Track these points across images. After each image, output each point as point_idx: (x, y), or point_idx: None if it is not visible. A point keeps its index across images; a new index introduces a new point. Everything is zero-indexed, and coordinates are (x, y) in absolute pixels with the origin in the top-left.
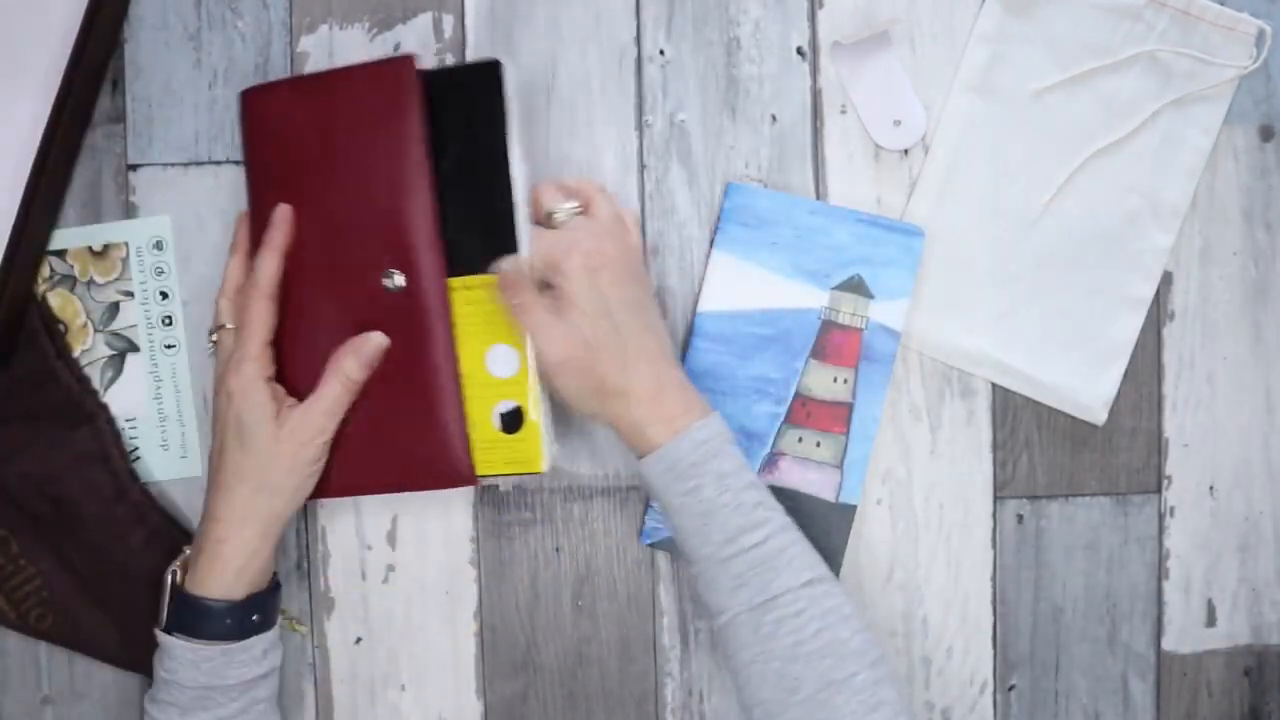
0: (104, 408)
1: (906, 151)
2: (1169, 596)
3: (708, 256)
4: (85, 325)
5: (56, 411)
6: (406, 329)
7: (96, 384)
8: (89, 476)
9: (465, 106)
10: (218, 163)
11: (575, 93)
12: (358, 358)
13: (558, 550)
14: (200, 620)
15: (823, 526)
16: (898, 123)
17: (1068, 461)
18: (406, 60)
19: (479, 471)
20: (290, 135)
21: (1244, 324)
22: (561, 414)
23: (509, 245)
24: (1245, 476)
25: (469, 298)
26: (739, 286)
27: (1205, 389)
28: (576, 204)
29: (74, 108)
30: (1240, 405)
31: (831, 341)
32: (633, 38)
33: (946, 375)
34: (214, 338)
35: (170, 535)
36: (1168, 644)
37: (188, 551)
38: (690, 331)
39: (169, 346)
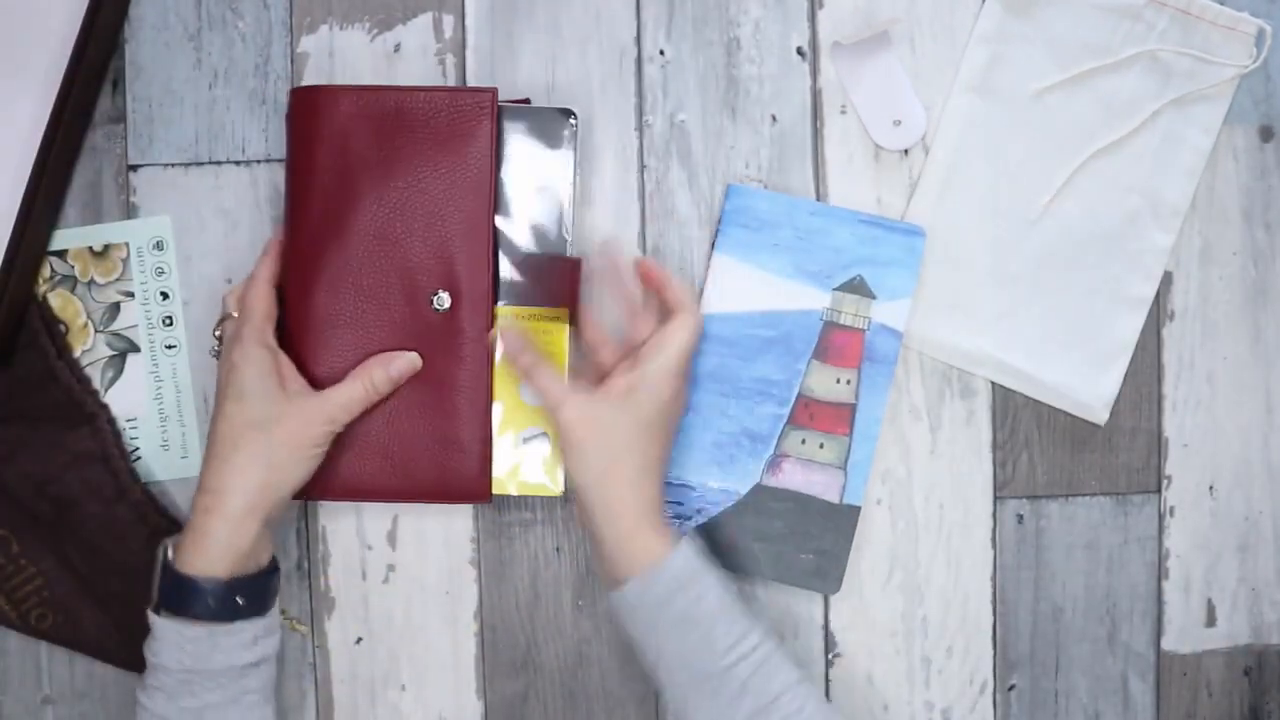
0: (105, 408)
1: (906, 151)
2: (1169, 596)
3: (709, 258)
4: (86, 325)
5: (57, 411)
6: (445, 349)
7: (97, 384)
8: (90, 476)
9: (535, 146)
10: (218, 163)
11: (575, 93)
12: (387, 371)
13: (558, 550)
14: (184, 598)
15: (826, 528)
16: (898, 123)
17: (1068, 461)
18: (490, 92)
19: (494, 491)
20: (348, 142)
21: (1244, 324)
22: None
23: (561, 287)
24: (1245, 476)
25: (516, 325)
26: (740, 288)
27: (1205, 389)
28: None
29: (74, 108)
30: (1240, 405)
31: (834, 342)
32: (633, 38)
33: (946, 375)
34: (218, 332)
35: (170, 535)
36: (1168, 644)
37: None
38: None
39: (169, 347)
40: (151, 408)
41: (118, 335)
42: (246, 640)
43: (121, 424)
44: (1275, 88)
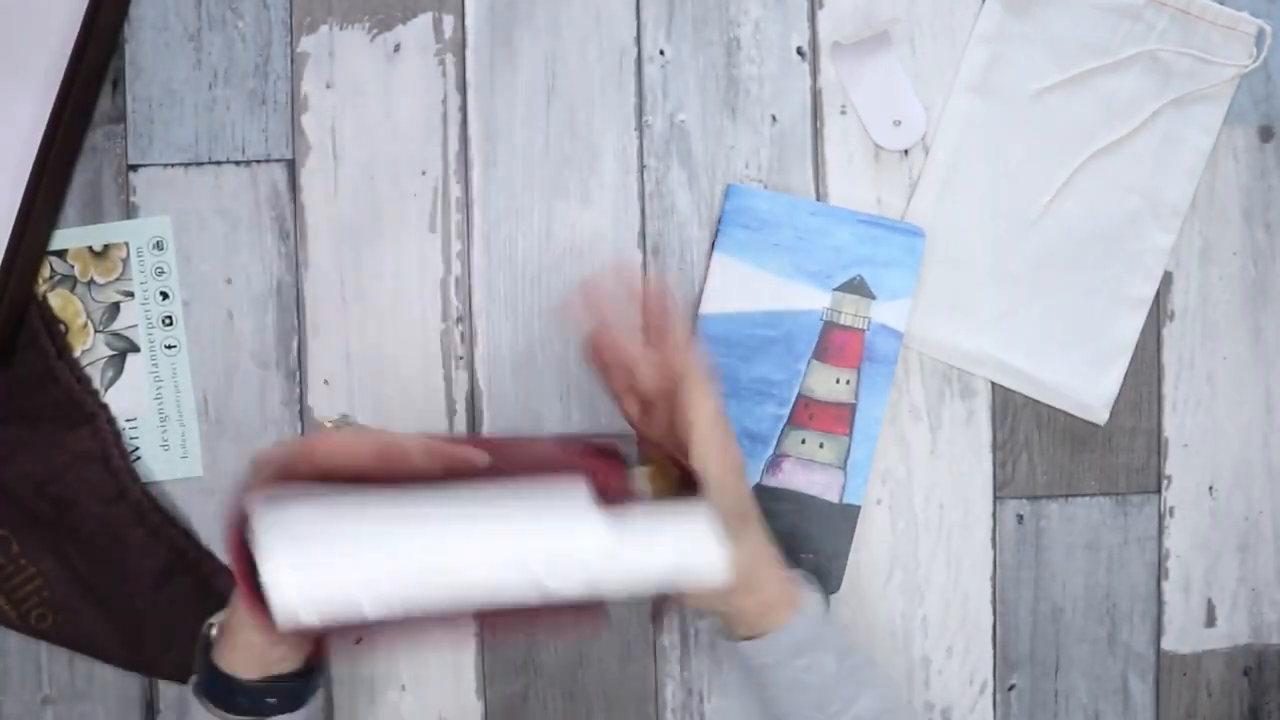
0: (104, 408)
1: (906, 151)
2: (1169, 596)
3: (709, 258)
4: (86, 325)
5: (57, 411)
6: None
7: (97, 384)
8: (89, 476)
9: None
10: (218, 163)
11: (575, 93)
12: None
13: None
14: (217, 690)
15: (826, 528)
16: (898, 123)
17: (1068, 461)
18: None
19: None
20: None
21: (1244, 324)
22: None
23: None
24: (1245, 476)
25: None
26: (741, 288)
27: (1205, 389)
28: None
29: (74, 108)
30: (1240, 405)
31: (834, 342)
32: (633, 38)
33: (946, 375)
34: (332, 422)
35: (170, 535)
36: (1167, 644)
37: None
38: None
39: (169, 347)
40: (151, 408)
41: (117, 335)
42: None
43: (121, 424)
44: (1275, 88)
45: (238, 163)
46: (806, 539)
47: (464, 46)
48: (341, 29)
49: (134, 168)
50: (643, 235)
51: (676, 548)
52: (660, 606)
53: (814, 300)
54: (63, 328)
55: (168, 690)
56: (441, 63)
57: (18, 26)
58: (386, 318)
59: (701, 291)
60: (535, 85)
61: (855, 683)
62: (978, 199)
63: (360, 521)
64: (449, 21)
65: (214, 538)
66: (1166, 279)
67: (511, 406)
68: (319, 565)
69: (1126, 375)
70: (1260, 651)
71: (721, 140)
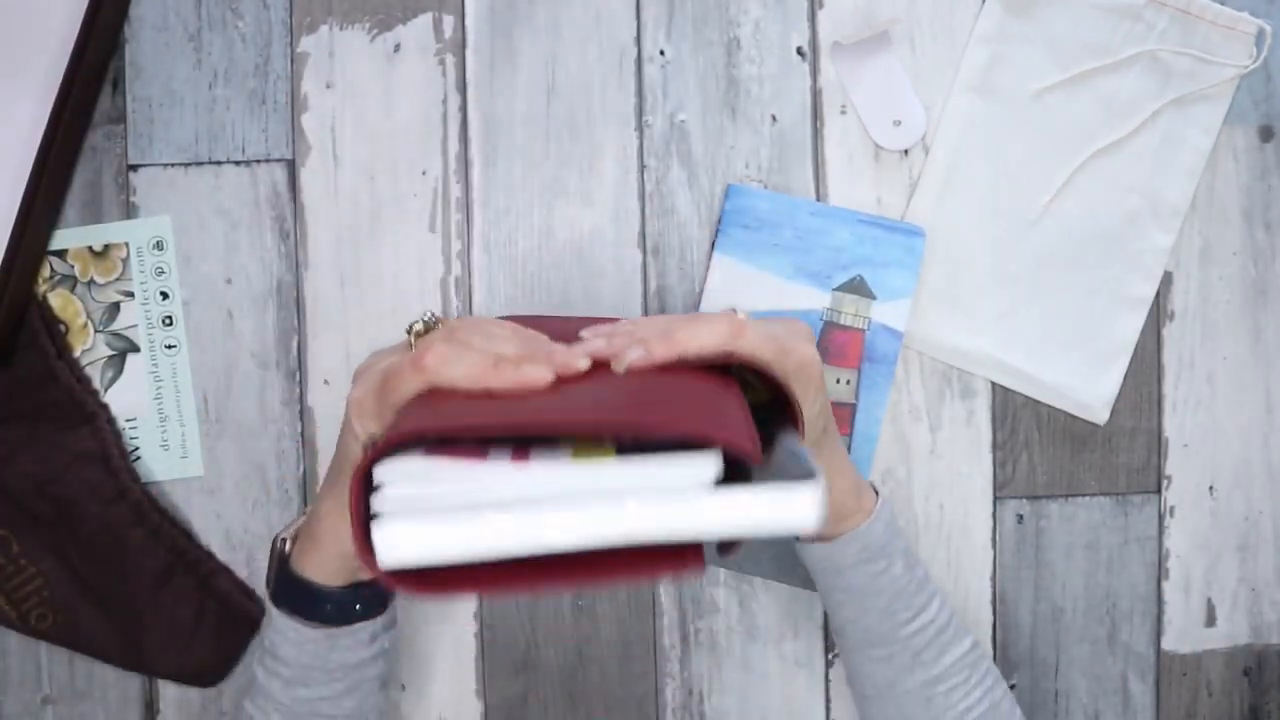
0: (104, 408)
1: (906, 151)
2: (1169, 596)
3: (709, 258)
4: (86, 325)
5: (57, 411)
6: None
7: (97, 384)
8: (89, 476)
9: None
10: (218, 163)
11: (575, 93)
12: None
13: None
14: (301, 600)
15: None
16: (898, 123)
17: (1067, 461)
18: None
19: None
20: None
21: (1244, 324)
22: None
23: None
24: (1245, 476)
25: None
26: (741, 288)
27: (1205, 389)
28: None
29: (74, 108)
30: (1240, 405)
31: (834, 342)
32: (633, 38)
33: (946, 375)
34: (416, 329)
35: (170, 535)
36: (1167, 644)
37: (301, 518)
38: None
39: (169, 347)
40: (151, 408)
41: (117, 335)
42: (364, 639)
43: (121, 424)
44: (1275, 88)
45: (238, 163)
46: None
47: (464, 46)
48: (341, 29)
49: (134, 168)
50: (643, 235)
51: (779, 513)
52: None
53: (814, 300)
54: (63, 328)
55: (168, 690)
56: (441, 63)
57: (18, 26)
58: (387, 317)
59: (702, 291)
60: (535, 85)
61: (922, 592)
62: (978, 199)
63: (475, 481)
64: (449, 21)
65: (214, 538)
66: (1166, 279)
67: None
68: (429, 522)
69: (1126, 375)
70: (1260, 651)
71: (721, 140)
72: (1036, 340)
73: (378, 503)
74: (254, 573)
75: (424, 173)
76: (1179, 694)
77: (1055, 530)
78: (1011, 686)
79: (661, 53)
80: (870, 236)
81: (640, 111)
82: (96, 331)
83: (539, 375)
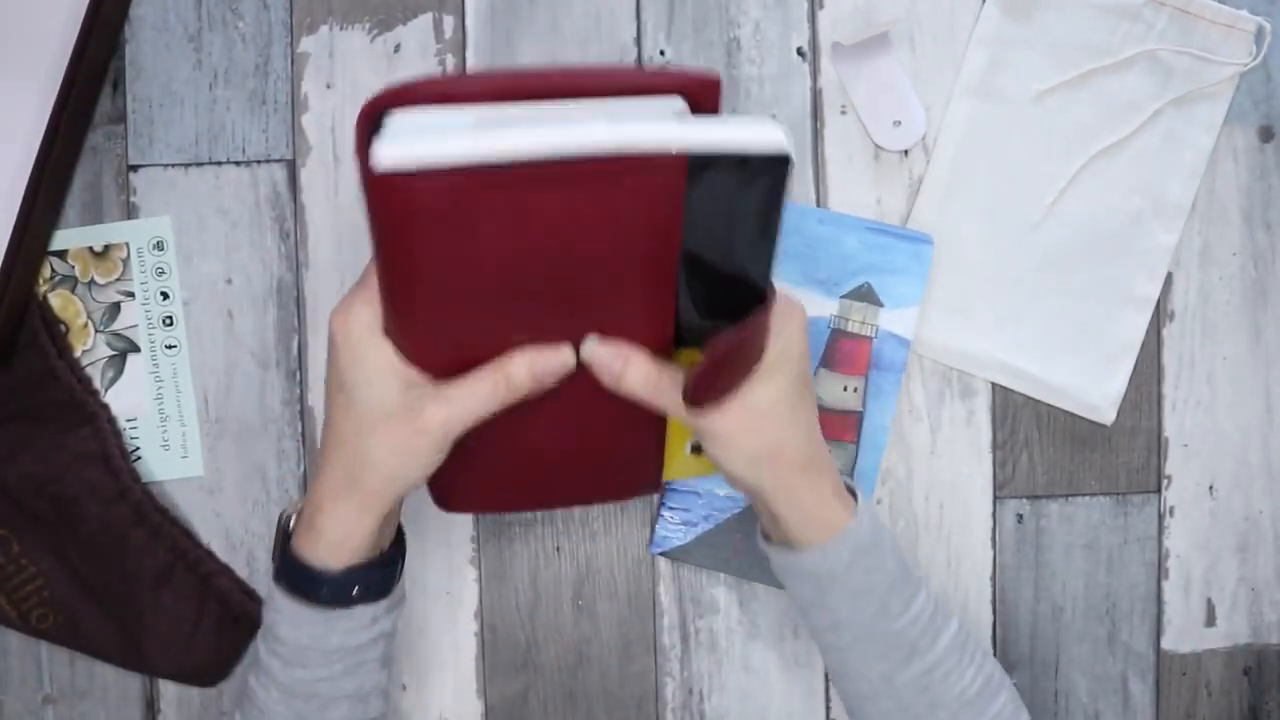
0: (105, 408)
1: (906, 152)
2: (1169, 596)
3: None
4: (86, 325)
5: (57, 411)
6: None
7: (97, 384)
8: (89, 476)
9: (735, 197)
10: (218, 163)
11: None
12: (531, 368)
13: (558, 550)
14: (299, 581)
15: None
16: (898, 123)
17: (1068, 461)
18: (678, 162)
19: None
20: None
21: (1244, 324)
22: None
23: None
24: (1245, 476)
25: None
26: None
27: (1205, 389)
28: None
29: (74, 108)
30: (1240, 405)
31: (841, 350)
32: (633, 39)
33: (946, 375)
34: None
35: (171, 535)
36: (1167, 644)
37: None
38: None
39: (170, 347)
40: (151, 408)
41: (118, 335)
42: (365, 622)
43: (121, 424)
44: (1275, 87)
45: (238, 163)
46: None
47: (464, 47)
48: (342, 29)
49: (134, 168)
50: None
51: (747, 130)
52: (706, 376)
53: (821, 308)
54: (63, 328)
55: (168, 690)
56: (442, 63)
57: (18, 26)
58: None
59: None
60: None
61: (910, 581)
62: (980, 203)
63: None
64: (449, 22)
65: (214, 538)
66: (1166, 279)
67: None
68: (429, 133)
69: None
70: (1260, 651)
71: None
72: (1041, 342)
73: (384, 130)
74: (254, 573)
75: None
76: (1179, 694)
77: (1055, 530)
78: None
79: (662, 53)
80: (878, 244)
81: None
82: (97, 331)
83: (519, 71)
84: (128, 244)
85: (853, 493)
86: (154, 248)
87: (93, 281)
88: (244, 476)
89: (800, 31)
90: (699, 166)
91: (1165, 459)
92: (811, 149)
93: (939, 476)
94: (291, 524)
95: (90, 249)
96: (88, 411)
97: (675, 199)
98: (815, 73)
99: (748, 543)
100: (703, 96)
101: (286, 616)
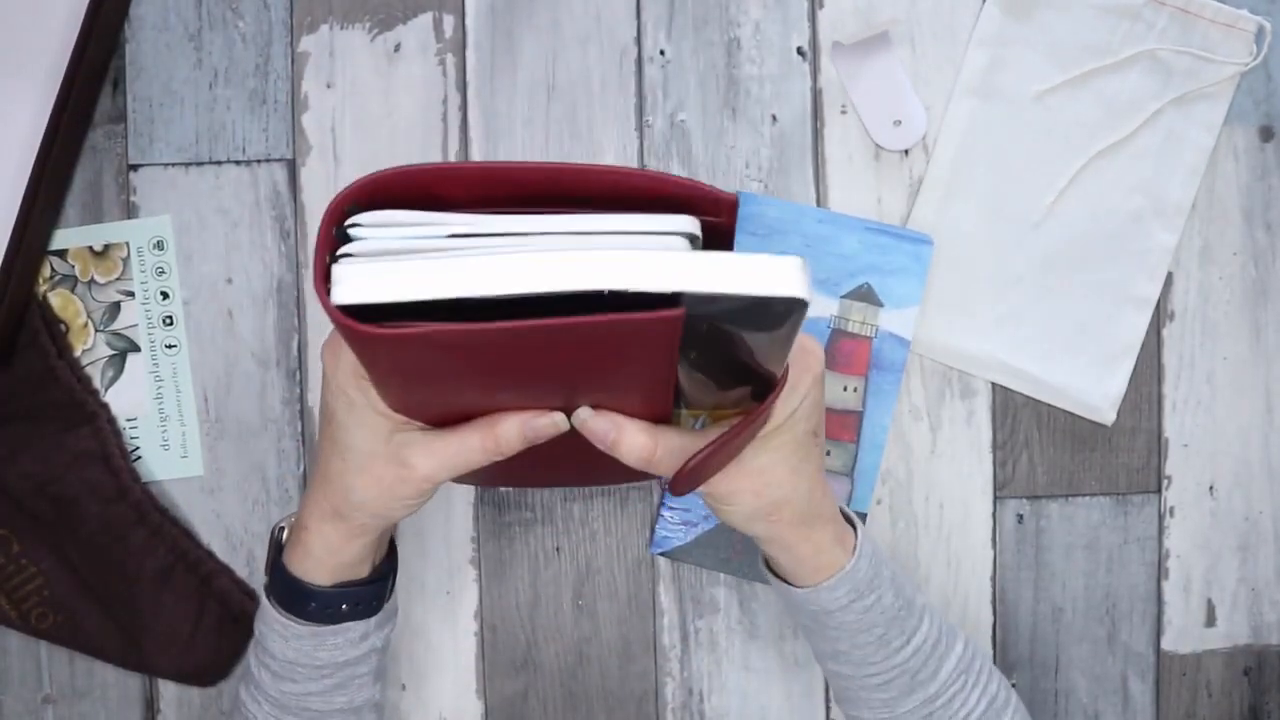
0: (105, 407)
1: (907, 152)
2: (1169, 596)
3: None
4: (86, 325)
5: (57, 411)
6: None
7: (97, 384)
8: (90, 476)
9: (744, 322)
10: (218, 162)
11: (575, 92)
12: (522, 430)
13: (558, 550)
14: (288, 595)
15: None
16: (898, 123)
17: (1068, 461)
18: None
19: None
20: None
21: (1244, 324)
22: None
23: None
24: (1245, 476)
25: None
26: None
27: (1205, 389)
28: None
29: (75, 108)
30: (1240, 405)
31: (841, 350)
32: (633, 38)
33: (946, 375)
34: None
35: (171, 535)
36: (1167, 644)
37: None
38: None
39: (170, 346)
40: (151, 407)
41: (118, 335)
42: (354, 638)
43: (121, 424)
44: (1276, 87)
45: (238, 162)
46: None
47: (464, 46)
48: (342, 29)
49: (134, 167)
50: None
51: (762, 274)
52: (691, 471)
53: (821, 308)
54: (63, 327)
55: (167, 690)
56: (442, 62)
57: (18, 26)
58: None
59: None
60: (536, 85)
61: (912, 614)
62: (981, 203)
63: (449, 221)
64: (449, 21)
65: (214, 537)
66: (1166, 279)
67: None
68: (391, 257)
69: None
70: (1260, 651)
71: (722, 140)
72: (1042, 342)
73: (346, 250)
74: (254, 572)
75: None
76: (1179, 694)
77: (1055, 530)
78: (1011, 686)
79: (662, 53)
80: (878, 244)
81: (640, 111)
82: (97, 331)
83: (510, 163)
84: (128, 243)
85: (854, 524)
86: (154, 247)
87: (93, 281)
88: (244, 476)
89: (800, 31)
90: (706, 299)
91: (1165, 459)
92: (812, 149)
93: (939, 476)
94: (284, 536)
95: (90, 248)
96: (87, 411)
97: (676, 326)
98: (815, 72)
99: (748, 543)
100: (717, 211)
101: (276, 630)
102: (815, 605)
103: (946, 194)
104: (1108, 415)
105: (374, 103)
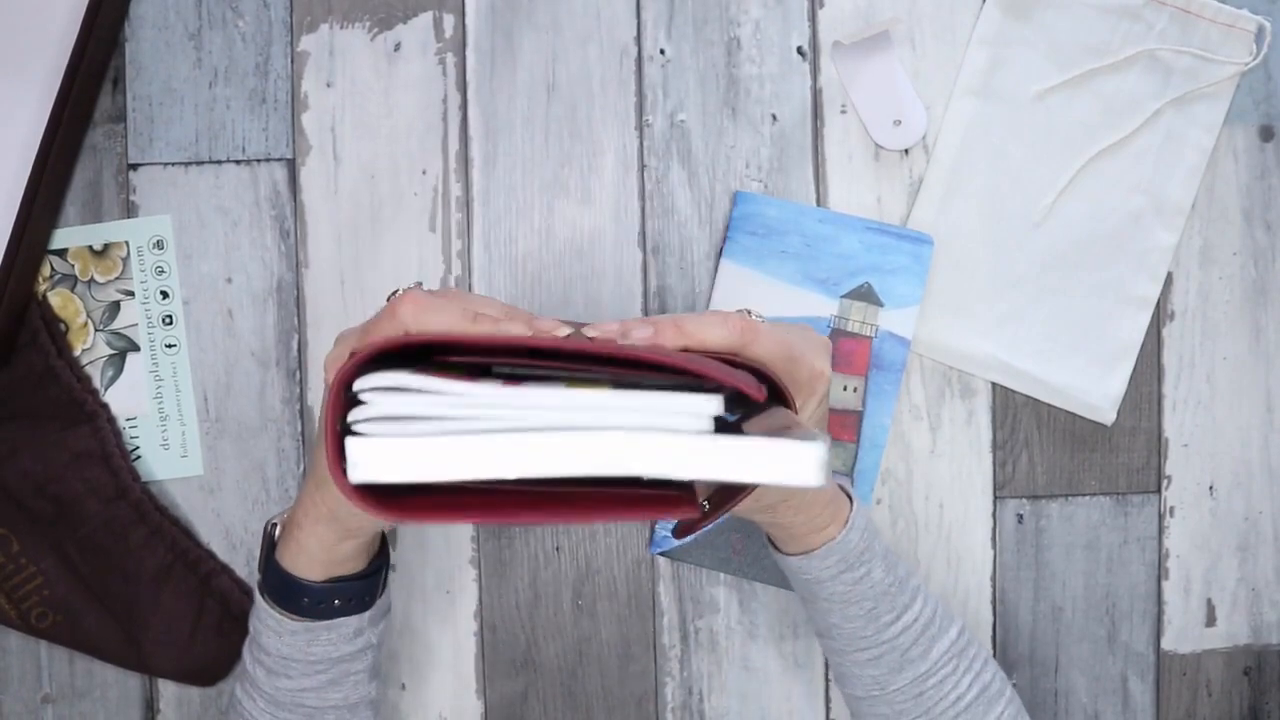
0: (105, 407)
1: (907, 151)
2: (1169, 596)
3: (716, 265)
4: (86, 324)
5: (57, 410)
6: None
7: (97, 383)
8: (89, 475)
9: None
10: (218, 162)
11: (576, 92)
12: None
13: (558, 550)
14: (281, 591)
15: None
16: (898, 123)
17: (1067, 461)
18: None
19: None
20: None
21: (1244, 324)
22: None
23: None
24: (1245, 476)
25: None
26: (748, 295)
27: (1205, 389)
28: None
29: (75, 107)
30: (1240, 405)
31: (841, 350)
32: (633, 37)
33: (946, 375)
34: (396, 294)
35: (171, 534)
36: (1167, 644)
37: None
38: None
39: (169, 346)
40: (151, 407)
41: (118, 334)
42: (347, 634)
43: (121, 423)
44: (1275, 87)
45: (238, 162)
46: None
47: (464, 46)
48: (342, 28)
49: (134, 167)
50: (643, 234)
51: (780, 464)
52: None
53: (821, 307)
54: (63, 327)
55: (167, 690)
56: (442, 62)
57: (18, 26)
58: None
59: (710, 298)
60: (536, 84)
61: (904, 591)
62: (981, 202)
63: (461, 397)
64: (449, 21)
65: (214, 537)
66: (1166, 279)
67: None
68: (405, 438)
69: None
70: (1260, 651)
71: (722, 140)
72: (1042, 342)
73: (356, 414)
74: (254, 572)
75: (424, 172)
76: (1179, 694)
77: (1055, 530)
78: (1012, 685)
79: (662, 52)
80: (878, 244)
81: (640, 111)
82: (96, 330)
83: (518, 333)
84: (127, 243)
85: (850, 496)
86: (154, 246)
87: (92, 280)
88: (244, 476)
89: (800, 31)
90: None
91: (1165, 459)
92: (812, 148)
93: (939, 476)
94: (277, 533)
95: (90, 248)
96: (87, 410)
97: (692, 513)
98: (815, 72)
99: (748, 543)
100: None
101: (270, 625)
102: (807, 574)
103: (946, 194)
104: (1108, 415)
105: (374, 102)
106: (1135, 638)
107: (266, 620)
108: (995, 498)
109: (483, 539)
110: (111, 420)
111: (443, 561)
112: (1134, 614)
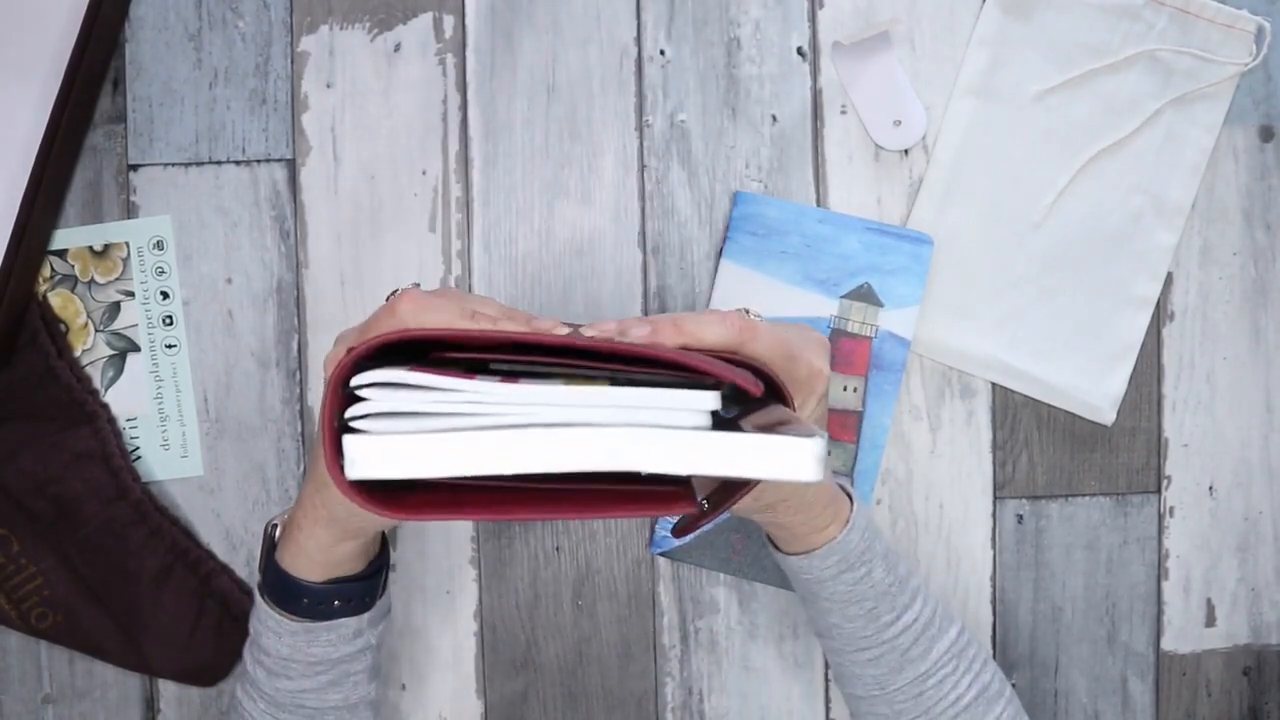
0: (105, 407)
1: (907, 151)
2: (1168, 596)
3: (716, 265)
4: (86, 325)
5: (57, 411)
6: None
7: (97, 383)
8: (89, 476)
9: None
10: (218, 162)
11: (576, 92)
12: None
13: (558, 550)
14: (281, 592)
15: None
16: (898, 123)
17: (1067, 461)
18: None
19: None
20: None
21: (1244, 324)
22: None
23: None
24: (1245, 476)
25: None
26: (748, 295)
27: (1205, 389)
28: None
29: (75, 108)
30: (1240, 405)
31: (841, 350)
32: (633, 38)
33: (946, 375)
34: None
35: (171, 535)
36: (1167, 644)
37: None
38: None
39: (170, 346)
40: (151, 407)
41: (118, 335)
42: (347, 635)
43: (121, 423)
44: (1275, 87)
45: (238, 162)
46: None
47: (464, 46)
48: (342, 29)
49: (134, 167)
50: (643, 235)
51: (778, 458)
52: (698, 516)
53: (821, 308)
54: (63, 327)
55: (167, 690)
56: (442, 62)
57: (18, 26)
58: None
59: (710, 299)
60: (536, 85)
61: (904, 591)
62: (981, 203)
63: (459, 393)
64: (449, 21)
65: (214, 537)
66: (1166, 279)
67: None
68: (403, 435)
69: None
70: (1260, 651)
71: (722, 140)
72: (1042, 342)
73: (354, 411)
74: (254, 572)
75: (424, 172)
76: (1179, 694)
77: (1055, 530)
78: (1011, 686)
79: (662, 52)
80: (878, 244)
81: (640, 111)
82: (97, 331)
83: (516, 331)
84: (128, 243)
85: (850, 497)
86: (154, 247)
87: (93, 281)
88: (244, 476)
89: (800, 31)
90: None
91: (1165, 459)
92: (811, 149)
93: (939, 476)
94: (277, 534)
95: (90, 248)
96: (87, 411)
97: (690, 507)
98: (815, 72)
99: (748, 543)
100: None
101: (270, 626)
102: (808, 574)
103: (946, 194)
104: (1108, 415)
105: (374, 103)
106: (1135, 638)
107: (266, 621)
108: (995, 498)
109: (482, 539)
110: (111, 421)
111: (443, 561)
112: (1134, 614)
